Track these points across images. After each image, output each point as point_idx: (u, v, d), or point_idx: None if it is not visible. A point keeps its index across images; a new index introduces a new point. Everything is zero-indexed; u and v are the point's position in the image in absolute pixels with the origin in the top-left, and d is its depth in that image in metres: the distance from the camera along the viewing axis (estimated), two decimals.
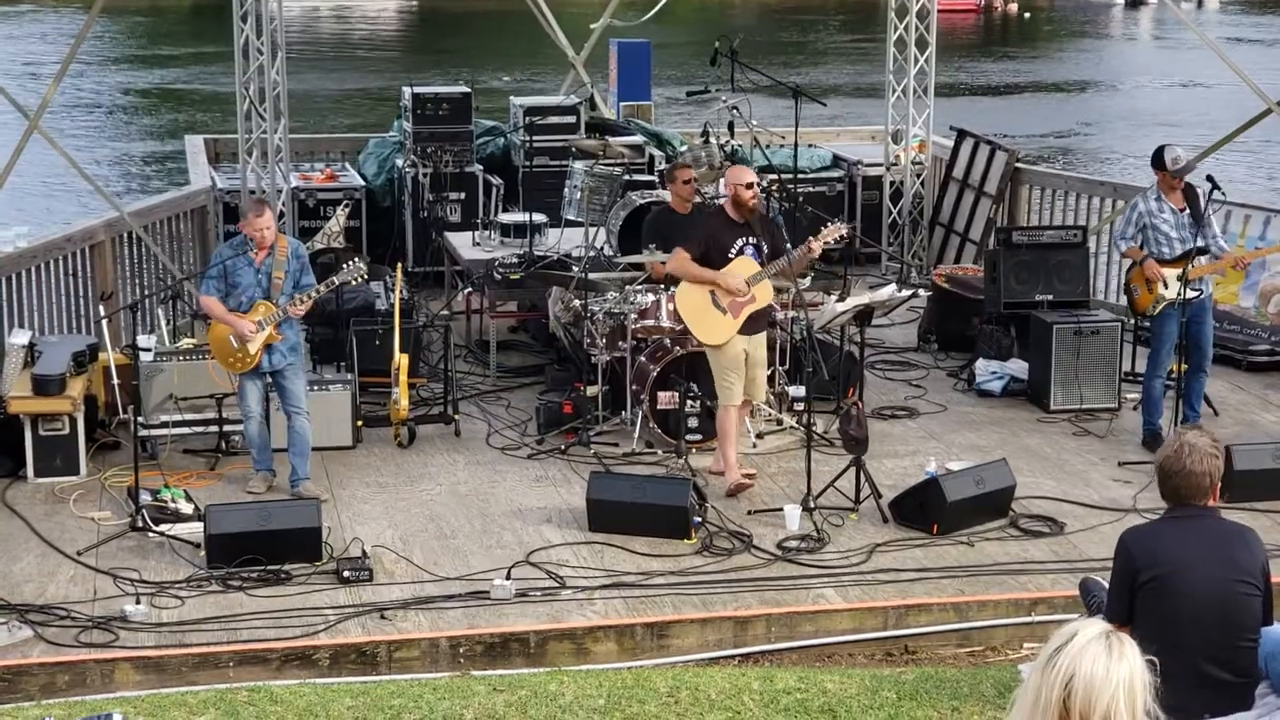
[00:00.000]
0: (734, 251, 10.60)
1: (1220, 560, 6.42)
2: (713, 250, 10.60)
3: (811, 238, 10.73)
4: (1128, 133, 42.70)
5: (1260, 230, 13.82)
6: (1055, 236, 13.50)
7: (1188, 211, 11.31)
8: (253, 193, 14.30)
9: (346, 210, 15.23)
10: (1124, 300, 13.03)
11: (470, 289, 13.97)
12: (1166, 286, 11.27)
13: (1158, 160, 11.38)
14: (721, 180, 14.41)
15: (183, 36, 64.21)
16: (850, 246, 14.68)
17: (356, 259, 11.06)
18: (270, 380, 10.67)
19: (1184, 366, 11.36)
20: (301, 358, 10.87)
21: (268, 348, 10.51)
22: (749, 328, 10.63)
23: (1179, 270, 11.13)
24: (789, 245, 10.94)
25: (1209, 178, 11.26)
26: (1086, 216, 15.30)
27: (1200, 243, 11.25)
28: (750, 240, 10.61)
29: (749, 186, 10.59)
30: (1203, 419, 11.64)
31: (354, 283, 10.86)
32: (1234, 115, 17.92)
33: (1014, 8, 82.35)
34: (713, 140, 14.45)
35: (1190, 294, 11.11)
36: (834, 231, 10.85)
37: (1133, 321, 13.14)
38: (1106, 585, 6.99)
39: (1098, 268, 14.78)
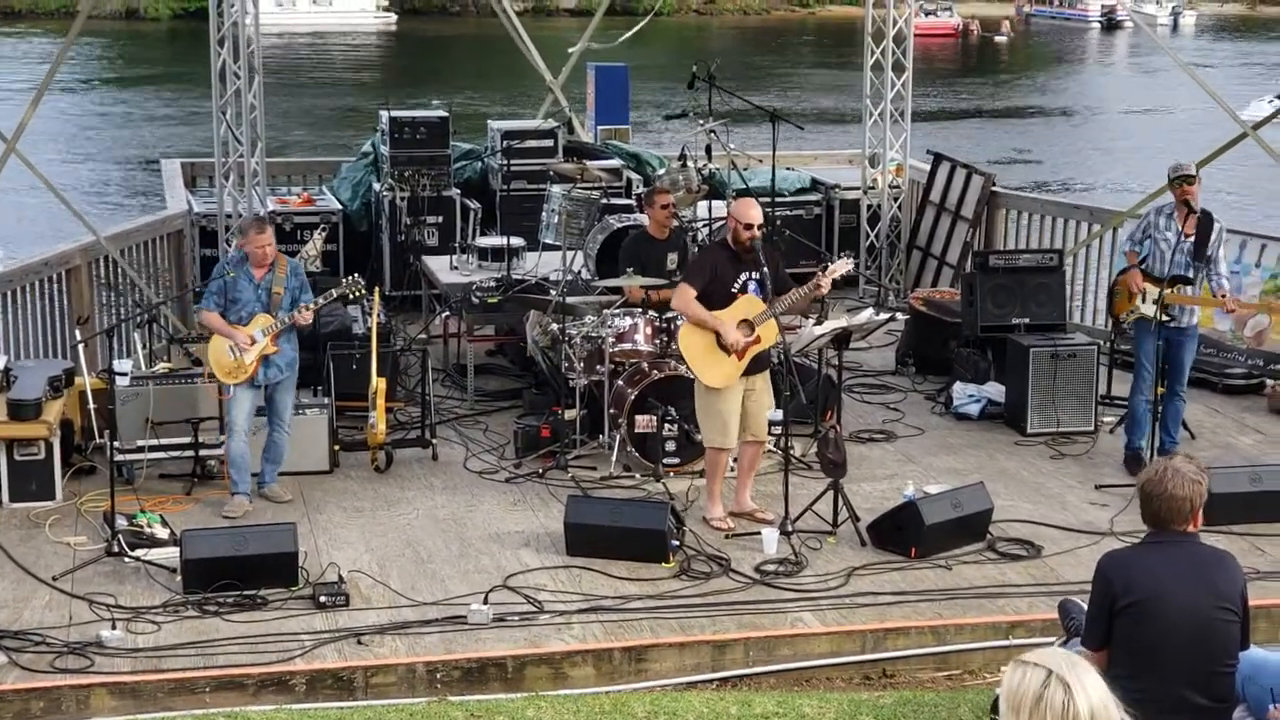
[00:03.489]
0: (737, 287, 10.32)
1: (1199, 586, 6.42)
2: (716, 285, 10.31)
3: (820, 274, 10.45)
4: (1102, 158, 42.89)
5: (1236, 254, 13.86)
6: (1032, 260, 13.52)
7: (1192, 239, 11.24)
8: (229, 216, 14.32)
9: (324, 234, 15.21)
10: (1100, 323, 13.12)
11: (448, 313, 13.96)
12: (1144, 301, 11.30)
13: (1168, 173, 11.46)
14: (698, 204, 14.50)
15: (159, 59, 64.15)
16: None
17: (356, 274, 11.20)
18: (264, 393, 10.83)
19: (1160, 390, 11.36)
20: (295, 374, 11.00)
21: (265, 360, 10.69)
22: (751, 367, 10.39)
23: (1158, 289, 11.15)
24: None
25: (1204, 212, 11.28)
26: (1063, 240, 15.34)
27: (1189, 273, 11.23)
28: (754, 275, 10.32)
29: (748, 228, 10.23)
30: (1180, 443, 11.64)
31: (352, 296, 11.10)
32: (1209, 140, 18.00)
33: (1004, 28, 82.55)
34: (690, 164, 14.47)
35: (1164, 318, 11.10)
36: (841, 267, 10.60)
37: (1109, 342, 13.21)
38: (1085, 607, 7.00)
39: (1074, 291, 14.81)
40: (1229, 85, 45.08)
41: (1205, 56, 66.26)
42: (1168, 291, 11.15)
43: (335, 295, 10.98)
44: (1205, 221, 11.25)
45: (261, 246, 10.70)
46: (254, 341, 10.66)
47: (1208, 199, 11.80)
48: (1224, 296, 11.38)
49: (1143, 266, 11.44)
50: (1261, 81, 54.25)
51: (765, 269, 10.27)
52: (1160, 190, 13.80)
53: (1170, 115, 50.09)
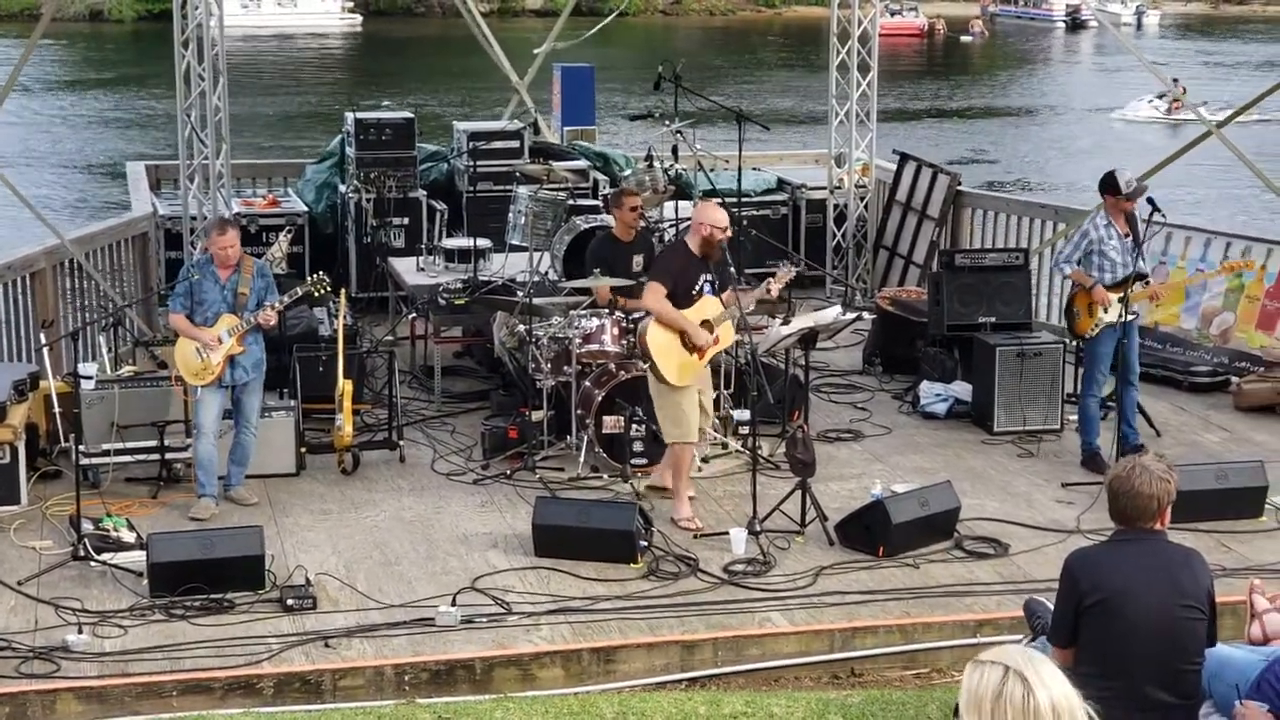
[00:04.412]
0: (697, 290, 10.49)
1: (1165, 584, 6.44)
2: (680, 287, 10.46)
3: (771, 279, 10.74)
4: (1066, 158, 43.02)
5: (1201, 252, 13.93)
6: (997, 259, 13.56)
7: (1130, 236, 11.40)
8: (194, 218, 14.27)
9: (289, 236, 15.17)
10: (1065, 322, 13.14)
11: (414, 314, 13.92)
12: (1106, 311, 11.35)
13: (1110, 184, 11.40)
14: (665, 204, 14.50)
15: (124, 61, 63.87)
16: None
17: (321, 272, 11.20)
18: (230, 395, 10.82)
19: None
20: (263, 376, 10.98)
21: (231, 361, 10.69)
22: None
23: (1119, 294, 11.22)
24: (744, 284, 10.89)
25: (1149, 200, 11.36)
26: (1028, 239, 15.38)
27: (1141, 267, 11.34)
28: (708, 278, 10.53)
29: (725, 230, 10.45)
30: (1144, 439, 11.69)
31: (317, 294, 11.10)
32: (1169, 139, 18.08)
33: (977, 29, 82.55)
34: (656, 164, 14.47)
35: (1129, 317, 11.17)
36: (786, 276, 10.86)
37: (1074, 344, 13.24)
38: (1051, 606, 7.02)
39: (1039, 290, 14.85)
40: (1191, 84, 45.29)
41: (1168, 55, 66.54)
42: (1133, 290, 11.24)
43: (300, 293, 10.98)
44: (1130, 216, 11.46)
45: (225, 248, 10.69)
46: (220, 342, 10.65)
47: (1165, 195, 11.90)
48: (1148, 284, 11.61)
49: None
50: (1224, 79, 54.51)
51: (729, 269, 10.42)
52: None
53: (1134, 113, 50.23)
